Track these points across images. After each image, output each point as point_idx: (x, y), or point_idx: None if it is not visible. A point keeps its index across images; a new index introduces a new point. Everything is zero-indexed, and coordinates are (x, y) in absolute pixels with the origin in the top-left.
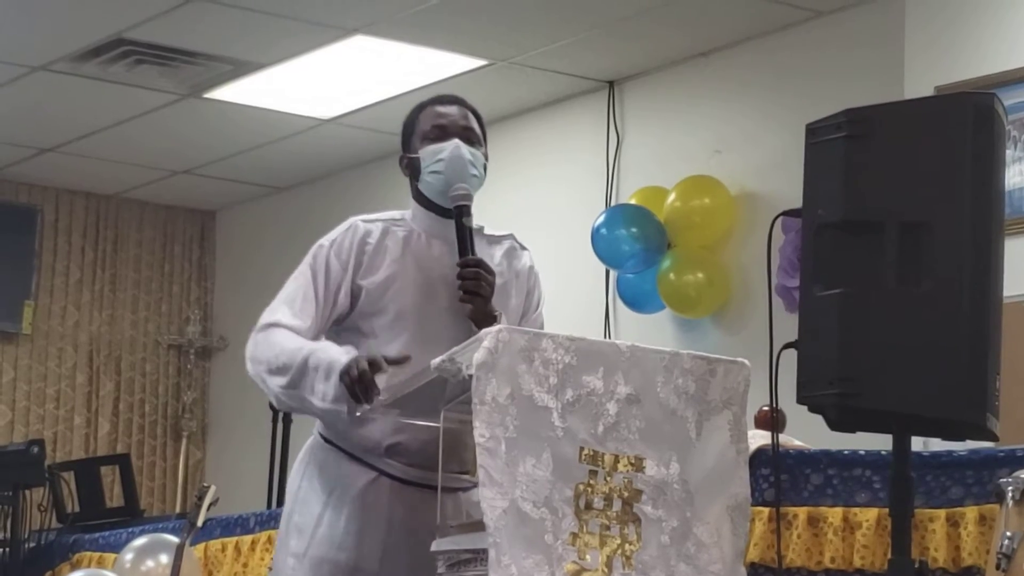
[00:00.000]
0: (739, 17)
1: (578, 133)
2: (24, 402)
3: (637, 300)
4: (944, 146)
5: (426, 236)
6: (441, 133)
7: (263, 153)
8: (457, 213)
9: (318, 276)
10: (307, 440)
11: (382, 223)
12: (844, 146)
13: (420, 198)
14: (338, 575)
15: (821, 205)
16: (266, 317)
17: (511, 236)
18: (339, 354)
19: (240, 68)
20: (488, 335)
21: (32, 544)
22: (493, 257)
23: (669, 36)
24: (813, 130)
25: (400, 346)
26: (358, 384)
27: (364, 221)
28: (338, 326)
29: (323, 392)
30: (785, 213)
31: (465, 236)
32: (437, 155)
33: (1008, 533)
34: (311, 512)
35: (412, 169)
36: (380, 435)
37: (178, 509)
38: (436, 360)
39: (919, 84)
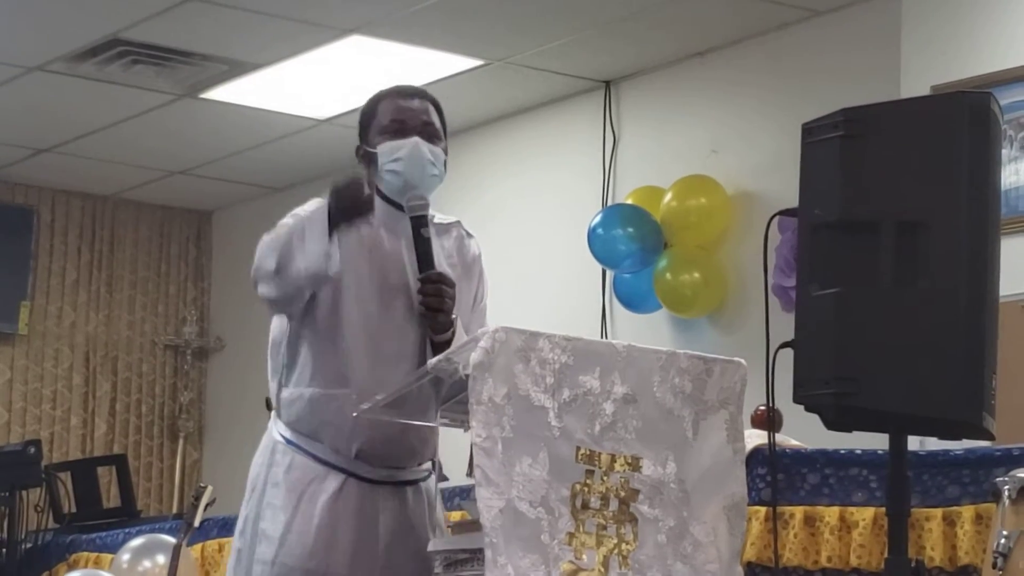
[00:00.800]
0: (735, 17)
1: (574, 133)
2: (21, 403)
3: (633, 300)
4: (940, 145)
5: (385, 232)
6: (400, 128)
7: (259, 153)
8: (415, 224)
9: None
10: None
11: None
12: (840, 145)
13: (381, 194)
14: None
15: (817, 205)
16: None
17: (458, 223)
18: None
19: (236, 68)
20: (485, 335)
21: (29, 545)
22: (444, 248)
23: (665, 36)
24: (809, 129)
25: (361, 346)
26: (351, 198)
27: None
28: (300, 319)
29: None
30: (781, 213)
31: (426, 250)
32: (395, 153)
33: (1004, 532)
34: (279, 519)
35: (368, 163)
36: (349, 436)
37: (175, 509)
38: (433, 360)
39: (915, 83)
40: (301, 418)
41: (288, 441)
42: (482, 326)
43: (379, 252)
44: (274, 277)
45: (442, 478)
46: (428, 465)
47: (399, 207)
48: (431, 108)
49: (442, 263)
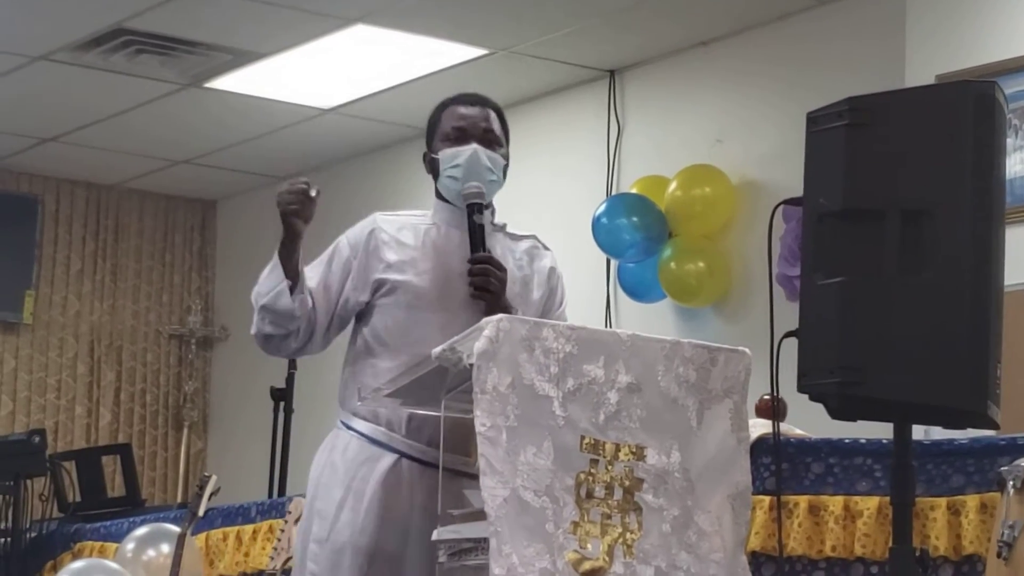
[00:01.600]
0: (739, 6)
1: (579, 122)
2: (25, 392)
3: (638, 289)
4: (945, 134)
5: (445, 227)
6: (460, 135)
7: (264, 143)
8: (469, 210)
9: (332, 264)
10: (328, 432)
11: (401, 218)
12: (845, 134)
13: (441, 195)
14: (359, 559)
15: (822, 194)
16: None
17: (534, 236)
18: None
19: (241, 57)
20: (489, 324)
21: (33, 534)
22: (515, 252)
23: (670, 25)
24: (814, 118)
25: (419, 330)
26: (287, 191)
27: (382, 215)
28: (362, 316)
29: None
30: (786, 202)
31: (475, 232)
32: (455, 159)
33: (1009, 522)
34: (333, 497)
35: (432, 169)
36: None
37: (179, 499)
38: (437, 349)
39: (920, 73)
40: (360, 406)
41: (347, 427)
42: None
43: (438, 245)
44: (256, 324)
45: None
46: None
47: (459, 207)
48: (492, 115)
49: (508, 260)
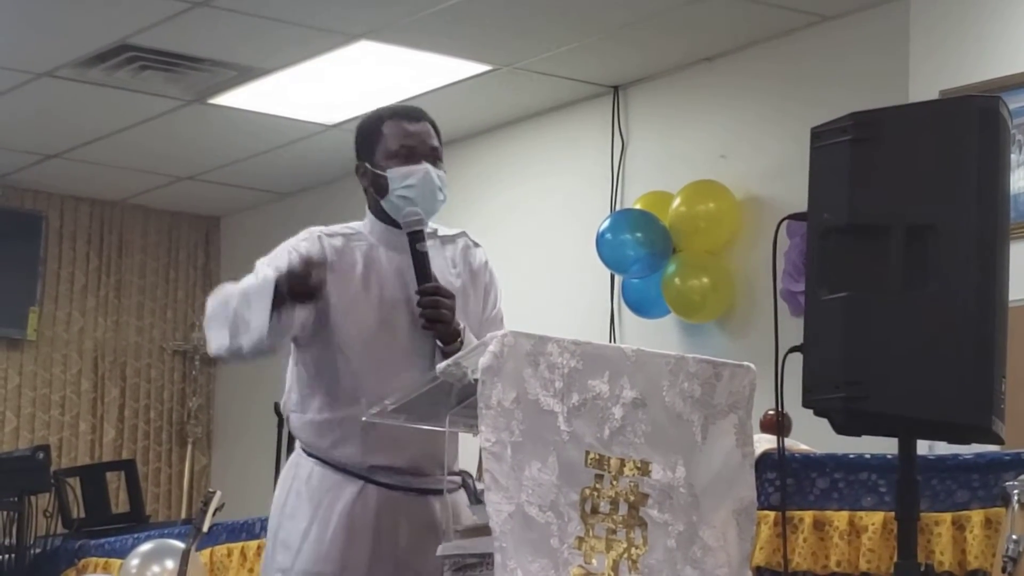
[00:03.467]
0: (743, 22)
1: (582, 138)
2: (29, 408)
3: (642, 305)
4: (949, 150)
5: (385, 249)
6: (409, 154)
7: (268, 159)
8: (412, 240)
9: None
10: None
11: (339, 238)
12: (849, 150)
13: (380, 213)
14: None
15: (826, 209)
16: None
17: (464, 234)
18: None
19: (245, 74)
20: (494, 339)
21: (38, 550)
22: (449, 258)
23: (673, 41)
24: (818, 134)
25: (370, 364)
26: (300, 281)
27: (326, 234)
28: (307, 344)
29: (256, 318)
30: (790, 217)
31: (421, 261)
32: (407, 179)
33: (1014, 536)
34: (297, 527)
35: (376, 186)
36: (361, 456)
37: (184, 515)
38: (441, 364)
39: (924, 88)
40: (315, 441)
41: (309, 454)
42: None
43: (377, 270)
44: (225, 350)
45: (476, 500)
46: (456, 478)
47: (397, 225)
48: (433, 131)
49: (447, 274)
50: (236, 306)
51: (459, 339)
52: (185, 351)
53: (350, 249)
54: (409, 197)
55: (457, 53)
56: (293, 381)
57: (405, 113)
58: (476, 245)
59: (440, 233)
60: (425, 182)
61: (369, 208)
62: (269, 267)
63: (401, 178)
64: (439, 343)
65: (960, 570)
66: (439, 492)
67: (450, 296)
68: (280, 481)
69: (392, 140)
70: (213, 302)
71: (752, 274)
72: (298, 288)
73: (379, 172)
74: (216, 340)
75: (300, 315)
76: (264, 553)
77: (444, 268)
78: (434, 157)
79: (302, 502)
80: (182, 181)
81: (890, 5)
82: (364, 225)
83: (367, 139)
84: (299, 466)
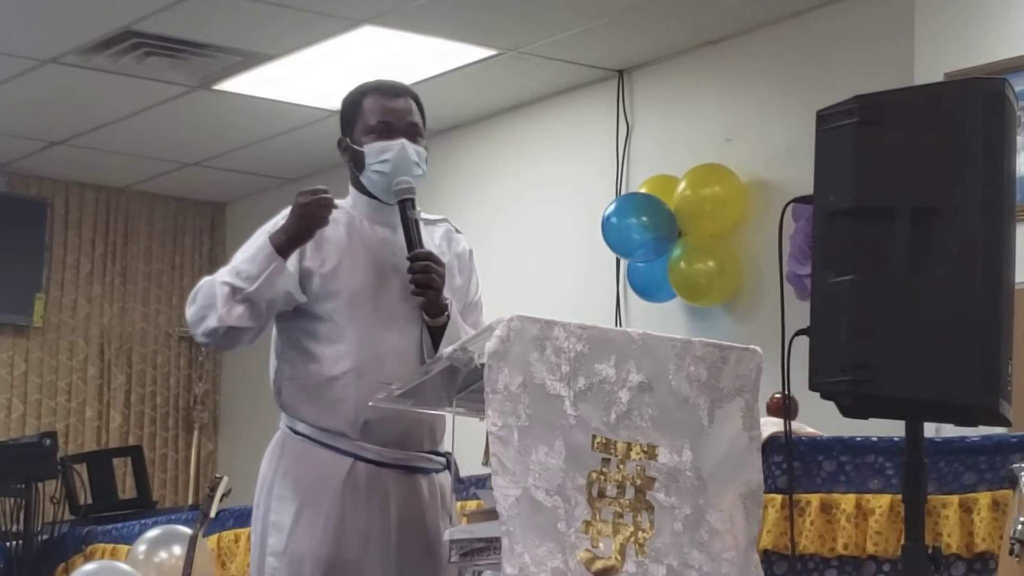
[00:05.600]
0: (748, 5)
1: (588, 122)
2: (36, 395)
3: (648, 289)
4: (955, 132)
5: (368, 221)
6: (386, 129)
7: (273, 144)
8: (402, 206)
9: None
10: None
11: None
12: (855, 132)
13: (363, 188)
14: (319, 570)
15: (832, 192)
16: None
17: (446, 220)
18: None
19: (249, 59)
20: (500, 324)
21: (45, 536)
22: (433, 239)
23: (678, 25)
24: (824, 117)
25: (357, 327)
26: (317, 202)
27: None
28: (292, 315)
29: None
30: (796, 200)
31: (412, 228)
32: (383, 155)
33: (1021, 519)
34: (288, 509)
35: (355, 161)
36: (353, 414)
37: (190, 500)
38: (448, 349)
39: (929, 71)
40: (304, 406)
41: (295, 432)
42: (476, 321)
43: (362, 239)
44: (248, 314)
45: (458, 480)
46: (442, 459)
47: (382, 201)
48: (414, 107)
49: (433, 251)
50: (236, 272)
51: (446, 314)
52: (191, 337)
53: (333, 221)
54: (384, 172)
55: (462, 38)
56: (280, 350)
57: (385, 89)
58: (458, 232)
59: (423, 216)
60: (400, 158)
61: (352, 183)
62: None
63: (377, 153)
64: (425, 316)
65: (967, 552)
66: (426, 471)
67: (441, 264)
68: (265, 462)
69: (371, 115)
70: (222, 289)
71: (758, 257)
72: (316, 218)
73: (357, 147)
74: (216, 317)
75: (288, 282)
76: (252, 536)
77: (429, 246)
78: (413, 133)
79: (290, 482)
80: (187, 167)
81: None
82: (347, 201)
83: (348, 114)
84: (285, 446)
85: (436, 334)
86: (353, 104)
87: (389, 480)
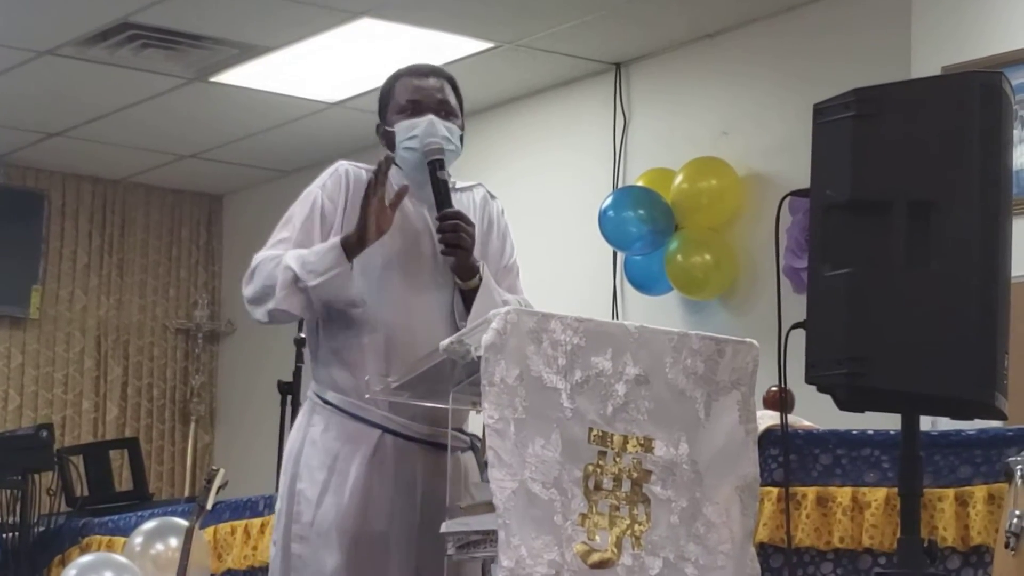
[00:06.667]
0: None
1: (585, 115)
2: (32, 387)
3: (645, 282)
4: (952, 125)
5: (406, 200)
6: (415, 107)
7: (270, 137)
8: (431, 167)
9: (313, 220)
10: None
11: (367, 171)
12: (852, 126)
13: (396, 165)
14: (346, 541)
15: (829, 185)
16: (254, 261)
17: (480, 185)
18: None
19: (246, 51)
20: (497, 316)
21: (41, 528)
22: (473, 202)
23: (675, 18)
24: (821, 110)
25: (390, 293)
26: (383, 214)
27: (352, 166)
28: None
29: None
30: (793, 194)
31: (441, 189)
32: (411, 131)
33: (1017, 512)
34: (315, 479)
35: (387, 141)
36: (385, 376)
37: (187, 493)
38: (444, 342)
39: (926, 64)
40: (337, 371)
41: (325, 401)
42: (512, 285)
43: (404, 207)
44: (304, 305)
45: (484, 464)
46: (466, 438)
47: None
48: (447, 86)
49: (468, 214)
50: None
51: (478, 275)
52: (188, 329)
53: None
54: (414, 148)
55: (459, 30)
56: (318, 315)
57: (415, 69)
58: (492, 197)
59: (458, 185)
60: (428, 132)
61: (395, 163)
62: (308, 212)
63: (406, 130)
64: (457, 279)
65: (963, 545)
66: (452, 449)
67: (471, 223)
68: (294, 431)
69: (400, 95)
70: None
71: (754, 251)
72: (379, 218)
73: (389, 128)
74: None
75: (348, 289)
76: (278, 503)
77: (465, 211)
78: (443, 110)
79: (318, 452)
80: (184, 159)
81: None
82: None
83: (383, 99)
84: (314, 414)
85: (468, 297)
86: (387, 88)
87: (416, 455)
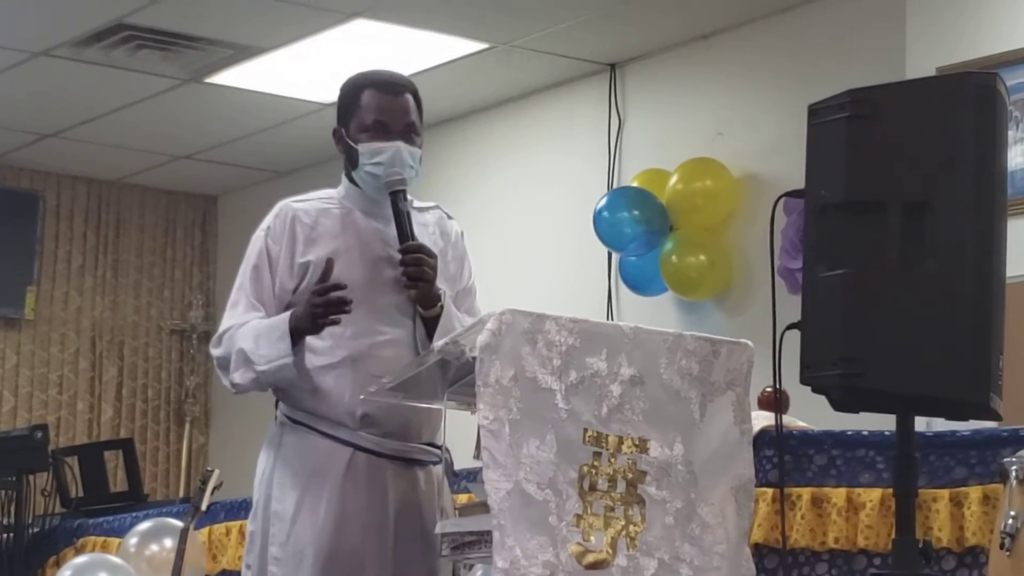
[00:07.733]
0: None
1: (580, 116)
2: (27, 388)
3: (639, 283)
4: (946, 126)
5: (361, 214)
6: (382, 129)
7: (265, 138)
8: (393, 198)
9: (261, 267)
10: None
11: (314, 202)
12: (846, 126)
13: (354, 180)
14: (321, 559)
15: (823, 186)
16: (222, 326)
17: (438, 207)
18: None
19: (241, 52)
20: (491, 317)
21: (36, 529)
22: (427, 226)
23: (670, 19)
24: (815, 111)
25: (352, 318)
26: (326, 304)
27: (295, 202)
28: (291, 305)
29: (275, 351)
30: (787, 194)
31: (404, 221)
32: (376, 156)
33: (1012, 513)
34: (290, 498)
35: (349, 156)
36: (350, 404)
37: (182, 493)
38: (439, 342)
39: (921, 65)
40: (302, 394)
41: (294, 421)
42: (471, 307)
43: (356, 232)
44: (255, 385)
45: (452, 474)
46: (438, 452)
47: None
48: (412, 102)
49: (424, 239)
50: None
51: (439, 304)
52: (183, 330)
53: (326, 213)
54: (377, 175)
55: (454, 31)
56: None
57: (384, 84)
58: (450, 217)
59: (415, 205)
60: (394, 161)
61: (345, 174)
62: (254, 264)
63: (371, 154)
64: (419, 308)
65: (958, 546)
66: (423, 463)
67: (432, 256)
68: (264, 451)
69: (367, 113)
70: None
71: (749, 251)
72: (324, 313)
73: (352, 144)
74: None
75: (285, 284)
76: (250, 524)
77: (422, 235)
78: (409, 133)
79: (290, 472)
80: (179, 160)
81: None
82: (339, 191)
83: (345, 106)
84: (284, 435)
85: (430, 324)
86: (351, 96)
87: (388, 471)
